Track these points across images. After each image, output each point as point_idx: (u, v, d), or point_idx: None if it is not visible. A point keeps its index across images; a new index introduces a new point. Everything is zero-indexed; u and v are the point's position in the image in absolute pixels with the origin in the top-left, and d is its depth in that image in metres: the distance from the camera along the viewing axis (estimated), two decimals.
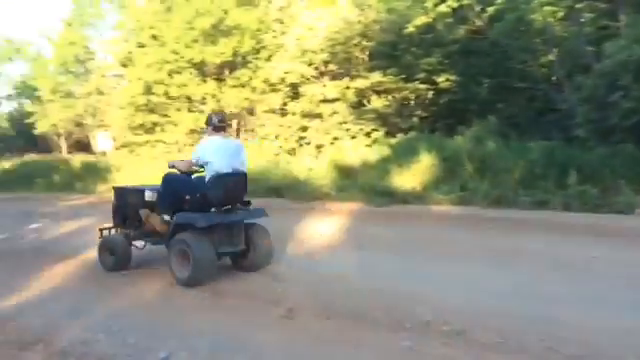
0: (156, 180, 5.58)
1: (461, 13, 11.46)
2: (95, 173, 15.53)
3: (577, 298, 3.99)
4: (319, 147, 13.09)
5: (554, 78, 11.15)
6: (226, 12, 15.11)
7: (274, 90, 14.26)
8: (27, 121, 24.34)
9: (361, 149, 11.72)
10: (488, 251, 5.62)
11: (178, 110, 15.64)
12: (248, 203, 5.19)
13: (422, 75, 12.15)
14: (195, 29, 14.93)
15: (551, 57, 10.72)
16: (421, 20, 11.32)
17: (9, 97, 26.91)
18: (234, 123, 15.85)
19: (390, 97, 12.57)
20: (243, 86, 15.15)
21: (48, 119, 22.81)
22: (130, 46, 18.04)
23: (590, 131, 8.62)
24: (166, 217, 5.07)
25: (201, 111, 15.22)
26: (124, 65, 18.78)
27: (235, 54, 15.15)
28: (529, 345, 3.17)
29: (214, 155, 4.89)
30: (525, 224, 6.86)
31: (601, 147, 8.25)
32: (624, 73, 7.83)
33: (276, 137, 14.05)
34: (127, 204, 5.52)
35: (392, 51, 12.51)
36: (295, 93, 13.92)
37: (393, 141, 11.62)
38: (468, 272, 4.82)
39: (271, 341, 3.42)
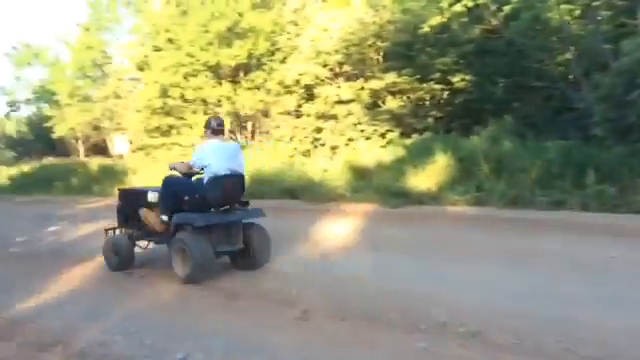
0: None
1: (476, 12, 11.37)
2: (112, 176, 15.69)
3: (595, 299, 3.94)
4: (334, 148, 13.08)
5: (571, 77, 11.01)
6: (241, 15, 15.19)
7: (289, 92, 14.28)
8: (45, 125, 24.69)
9: (376, 150, 11.69)
10: (504, 252, 5.58)
11: (194, 113, 15.74)
12: (246, 203, 5.38)
13: (437, 75, 12.07)
14: (210, 32, 15.02)
15: (568, 56, 10.59)
16: (436, 20, 11.26)
17: (28, 101, 27.27)
18: (249, 125, 15.92)
19: (405, 98, 12.51)
20: (258, 88, 15.21)
21: (66, 123, 23.11)
22: (146, 50, 18.21)
23: (608, 130, 8.51)
24: (164, 217, 5.23)
25: (216, 113, 15.30)
26: (140, 69, 18.97)
27: (250, 56, 15.21)
28: (546, 346, 3.14)
29: (213, 157, 5.05)
30: (542, 224, 6.79)
31: (619, 146, 8.13)
32: None
33: (291, 139, 14.06)
34: (131, 205, 5.71)
35: (407, 51, 12.46)
36: (310, 95, 13.92)
37: (408, 142, 11.56)
38: (484, 273, 4.79)
39: (286, 342, 3.43)
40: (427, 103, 12.75)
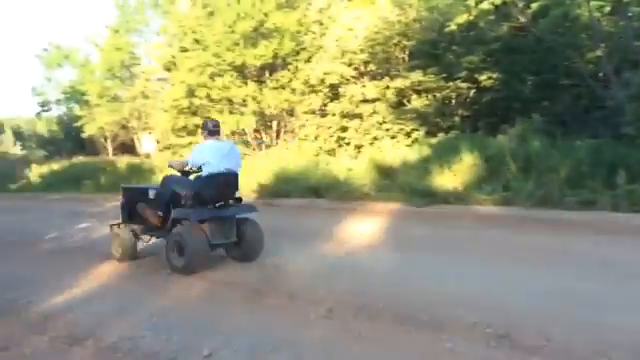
0: None
1: (504, 10, 11.23)
2: (140, 174, 15.93)
3: (625, 301, 3.86)
4: (359, 147, 13.06)
5: (601, 74, 10.80)
6: (266, 15, 15.26)
7: (314, 91, 14.30)
8: (75, 125, 25.16)
9: (401, 149, 11.64)
10: (533, 252, 5.50)
11: (219, 112, 15.85)
12: (239, 200, 5.74)
13: (464, 74, 11.95)
14: (236, 32, 15.13)
15: (598, 53, 10.39)
16: (463, 18, 11.16)
17: (58, 102, 27.84)
18: (274, 124, 15.99)
19: (431, 96, 12.42)
20: (283, 88, 15.26)
21: (95, 122, 23.52)
22: (173, 50, 18.43)
23: (639, 128, 8.33)
24: (159, 212, 5.66)
25: (242, 113, 15.42)
26: (168, 69, 19.21)
27: (275, 56, 15.27)
28: (575, 349, 3.08)
29: (209, 157, 5.42)
30: (571, 225, 6.68)
31: None
32: None
33: (316, 138, 14.08)
34: (133, 202, 6.06)
35: (433, 50, 12.37)
36: (335, 94, 13.92)
37: (434, 141, 11.50)
38: (512, 273, 4.73)
39: (311, 340, 3.44)
40: (453, 102, 12.63)
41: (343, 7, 14.46)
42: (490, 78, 11.88)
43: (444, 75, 12.10)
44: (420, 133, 12.31)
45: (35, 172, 22.11)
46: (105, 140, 25.53)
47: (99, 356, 3.37)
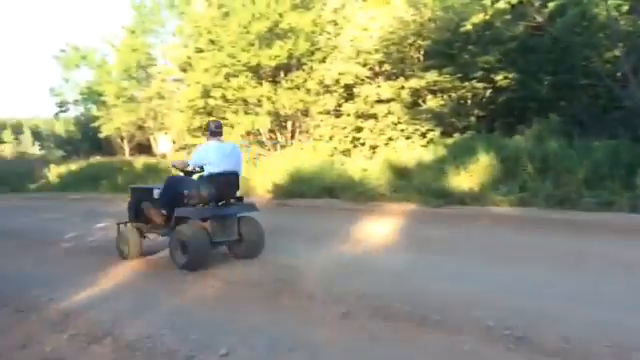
0: None
1: (520, 9, 11.15)
2: (156, 174, 16.05)
3: None
4: (373, 148, 13.05)
5: (619, 74, 10.68)
6: (281, 15, 15.29)
7: (328, 91, 14.31)
8: (92, 125, 25.44)
9: (416, 149, 11.62)
10: (550, 253, 5.46)
11: (235, 112, 15.93)
12: (240, 199, 5.91)
13: (479, 73, 11.88)
14: (251, 33, 15.18)
15: (616, 52, 10.27)
16: (478, 18, 11.10)
17: (76, 102, 28.17)
18: (289, 125, 16.02)
19: (446, 96, 12.37)
20: (298, 88, 15.28)
21: (112, 123, 23.77)
22: (189, 51, 18.56)
23: None
24: (163, 211, 5.84)
25: (257, 113, 15.47)
26: (183, 70, 19.34)
27: (290, 57, 15.30)
28: (595, 352, 3.06)
29: (211, 157, 5.61)
30: (589, 226, 6.62)
31: None
32: None
33: (330, 138, 14.09)
34: (139, 201, 6.26)
35: (448, 50, 12.31)
36: (349, 94, 13.92)
37: (449, 141, 11.45)
38: (529, 275, 4.70)
39: (328, 340, 3.44)
40: (469, 102, 12.57)
41: (358, 7, 14.44)
42: (506, 78, 11.80)
43: (460, 75, 12.04)
44: (435, 133, 12.26)
45: (54, 172, 22.38)
46: (122, 140, 25.79)
47: (118, 354, 3.40)
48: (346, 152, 13.59)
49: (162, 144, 20.85)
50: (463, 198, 8.61)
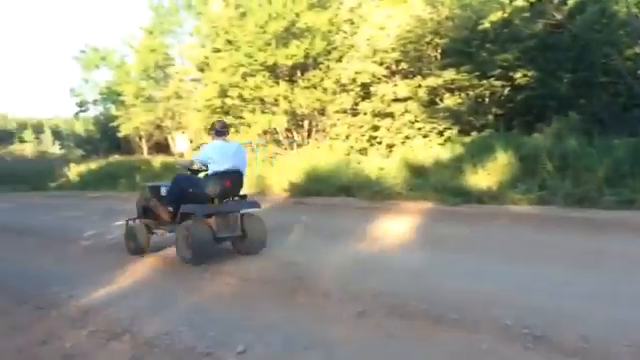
0: None
1: (539, 7, 11.05)
2: (174, 173, 16.12)
3: None
4: (390, 146, 13.02)
5: None
6: (298, 15, 15.33)
7: (345, 90, 14.31)
8: (111, 124, 25.75)
9: (433, 148, 11.56)
10: (569, 252, 5.39)
11: (251, 112, 16.02)
12: (244, 196, 6.09)
13: (497, 72, 11.79)
14: (268, 33, 15.24)
15: (637, 50, 10.13)
16: (497, 16, 11.01)
17: (95, 102, 28.56)
18: (305, 124, 16.04)
19: (464, 95, 12.29)
20: (315, 87, 15.31)
21: (131, 122, 24.04)
22: (206, 51, 18.69)
23: None
24: (170, 208, 6.07)
25: (274, 112, 15.52)
26: (201, 70, 19.49)
27: (307, 56, 15.33)
28: (614, 351, 3.00)
29: (215, 156, 5.80)
30: (610, 224, 6.52)
31: None
32: None
33: (347, 137, 14.09)
34: (147, 199, 6.47)
35: (466, 48, 12.23)
36: (366, 93, 13.90)
37: (467, 139, 11.37)
38: (548, 274, 4.64)
39: (344, 338, 3.44)
40: (487, 100, 12.47)
41: (374, 6, 14.41)
42: (525, 76, 11.69)
43: (477, 73, 11.96)
44: (453, 132, 12.19)
45: (73, 171, 22.69)
46: (140, 139, 26.06)
47: (136, 351, 3.43)
48: (362, 151, 13.58)
49: (179, 143, 21.01)
50: (481, 197, 8.55)
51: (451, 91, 12.47)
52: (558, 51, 11.76)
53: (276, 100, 15.56)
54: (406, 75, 13.36)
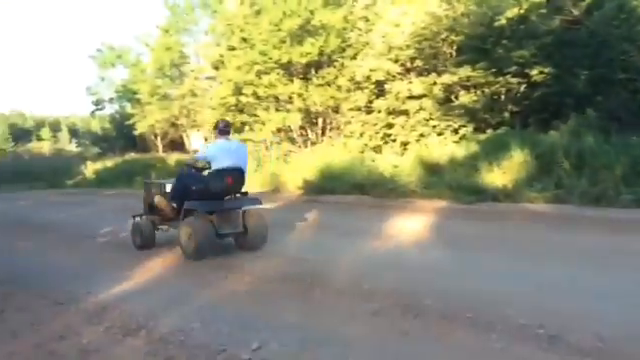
0: None
1: (556, 3, 10.93)
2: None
3: None
4: (405, 144, 12.96)
5: None
6: (312, 12, 15.32)
7: (359, 88, 14.27)
8: (127, 122, 25.95)
9: (448, 146, 11.49)
10: (585, 251, 5.34)
11: (266, 110, 16.05)
12: (245, 194, 6.22)
13: (514, 68, 11.67)
14: (282, 30, 15.25)
15: None
16: (513, 12, 10.90)
17: (111, 100, 28.80)
18: (319, 121, 16.04)
19: (479, 92, 12.19)
20: (329, 85, 15.29)
21: (146, 120, 24.20)
22: (221, 49, 18.74)
23: None
24: (173, 204, 6.24)
25: (288, 110, 15.54)
26: (216, 68, 19.55)
27: (321, 53, 15.31)
28: (631, 352, 2.98)
29: (218, 154, 5.97)
30: (627, 223, 6.45)
31: None
32: None
33: (361, 134, 14.06)
34: (153, 195, 6.68)
35: (482, 44, 12.12)
36: (380, 90, 13.86)
37: (482, 137, 11.29)
38: (564, 273, 4.60)
39: (359, 336, 3.44)
40: (503, 97, 12.34)
41: (389, 3, 14.34)
42: (542, 73, 11.55)
43: (493, 70, 11.85)
44: (468, 129, 12.10)
45: (90, 169, 22.92)
46: (155, 137, 26.23)
47: (151, 347, 3.46)
48: (377, 149, 13.54)
49: (194, 141, 21.10)
50: (496, 195, 8.49)
51: (466, 88, 12.37)
52: (575, 47, 11.61)
53: (290, 98, 15.57)
54: (421, 72, 13.28)
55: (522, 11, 10.92)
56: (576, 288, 4.16)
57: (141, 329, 3.76)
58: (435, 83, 12.45)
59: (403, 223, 7.34)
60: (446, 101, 12.63)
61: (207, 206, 5.88)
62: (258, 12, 16.52)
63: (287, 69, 15.78)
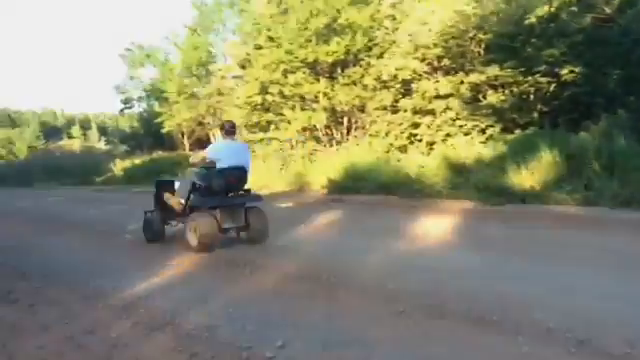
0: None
1: (587, 0, 10.72)
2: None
3: None
4: (431, 144, 12.86)
5: None
6: (339, 11, 15.29)
7: (385, 87, 14.20)
8: (155, 121, 26.28)
9: (475, 146, 11.37)
10: (616, 255, 5.23)
11: (292, 109, 16.08)
12: (248, 191, 6.62)
13: (543, 67, 11.48)
14: (309, 29, 15.26)
15: None
16: (543, 10, 10.73)
17: (140, 99, 29.19)
18: (345, 121, 16.01)
19: (507, 91, 12.02)
20: (355, 84, 15.23)
21: (174, 119, 24.47)
22: (248, 48, 18.83)
23: None
24: (181, 200, 6.64)
25: (313, 109, 15.55)
26: (242, 67, 19.65)
27: (347, 52, 15.28)
28: None
29: (222, 154, 6.38)
30: None
31: None
32: None
33: (386, 134, 13.99)
34: (162, 192, 7.09)
35: (510, 43, 11.95)
36: (407, 90, 13.77)
37: (510, 137, 11.14)
38: (593, 277, 4.52)
39: (383, 337, 3.43)
40: (531, 97, 12.15)
41: (417, 1, 14.23)
42: (572, 72, 11.33)
43: (522, 69, 11.67)
44: (495, 129, 11.95)
45: (118, 166, 23.30)
46: (182, 136, 26.51)
47: (178, 342, 3.51)
48: (402, 148, 13.45)
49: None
50: (524, 196, 8.37)
51: (494, 88, 12.21)
52: (607, 46, 11.37)
53: (316, 97, 15.57)
54: (448, 71, 13.15)
55: (552, 9, 10.74)
56: (606, 292, 4.07)
57: (167, 325, 3.81)
58: (462, 82, 12.31)
59: (429, 224, 7.29)
60: (473, 101, 12.48)
61: (211, 202, 6.30)
62: (285, 11, 16.56)
63: (313, 68, 15.79)
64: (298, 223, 7.85)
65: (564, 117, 11.45)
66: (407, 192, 9.88)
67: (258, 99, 16.73)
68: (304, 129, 15.91)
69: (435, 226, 7.11)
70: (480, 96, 12.40)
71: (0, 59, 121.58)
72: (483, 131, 12.15)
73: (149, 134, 30.05)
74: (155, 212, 7.17)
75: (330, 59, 15.24)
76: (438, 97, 12.65)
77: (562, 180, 8.38)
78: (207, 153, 6.61)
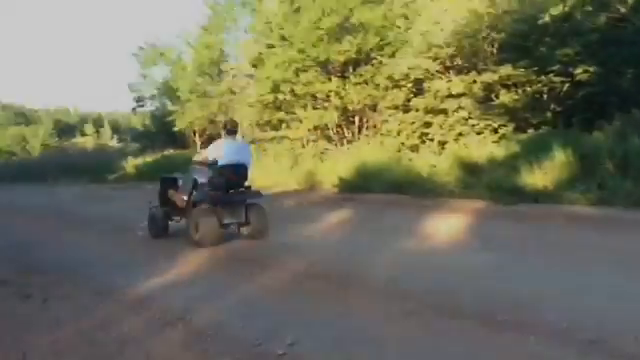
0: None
1: (601, 0, 10.61)
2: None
3: None
4: (443, 144, 12.80)
5: None
6: (351, 10, 15.26)
7: (397, 86, 14.15)
8: (167, 119, 26.38)
9: (487, 145, 11.30)
10: (629, 255, 5.18)
11: (303, 107, 16.08)
12: (248, 188, 6.77)
13: (557, 67, 11.38)
14: (321, 28, 15.25)
15: None
16: (557, 9, 10.63)
17: (152, 97, 29.29)
18: (356, 120, 15.99)
19: (520, 91, 11.93)
20: (366, 83, 15.20)
21: (185, 117, 24.54)
22: (260, 47, 18.85)
23: None
24: (184, 197, 6.80)
25: (325, 108, 15.54)
26: (254, 66, 19.67)
27: (359, 51, 15.25)
28: None
29: (223, 152, 6.56)
30: None
31: None
32: None
33: (398, 133, 13.94)
34: (166, 188, 7.26)
35: (524, 42, 11.86)
36: (419, 89, 13.71)
37: (523, 137, 11.06)
38: (606, 277, 4.48)
39: (393, 336, 3.43)
40: (545, 96, 12.05)
41: (429, 0, 14.18)
42: (586, 71, 11.22)
43: (535, 68, 11.58)
44: (508, 129, 11.85)
45: (131, 164, 23.42)
46: (194, 134, 26.57)
47: (189, 338, 3.54)
48: (414, 148, 13.40)
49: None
50: (536, 196, 8.31)
51: (507, 87, 12.11)
52: (621, 45, 11.25)
53: (328, 96, 15.55)
54: (460, 71, 13.07)
55: (567, 8, 10.63)
56: (619, 292, 4.04)
57: (179, 321, 3.84)
58: (475, 82, 12.24)
59: (441, 223, 7.27)
60: (486, 100, 12.40)
61: (212, 198, 6.49)
62: (297, 10, 16.56)
63: (325, 67, 15.78)
64: (309, 221, 7.86)
65: (578, 117, 11.33)
66: (419, 191, 9.84)
67: (270, 98, 16.75)
68: (315, 128, 15.91)
69: (447, 225, 7.08)
70: (493, 95, 12.31)
71: (16, 57, 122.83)
72: (495, 130, 12.06)
73: (161, 132, 30.12)
74: (159, 207, 7.37)
75: (342, 58, 15.22)
76: (450, 96, 12.58)
77: (575, 180, 8.31)
78: (208, 152, 6.82)
